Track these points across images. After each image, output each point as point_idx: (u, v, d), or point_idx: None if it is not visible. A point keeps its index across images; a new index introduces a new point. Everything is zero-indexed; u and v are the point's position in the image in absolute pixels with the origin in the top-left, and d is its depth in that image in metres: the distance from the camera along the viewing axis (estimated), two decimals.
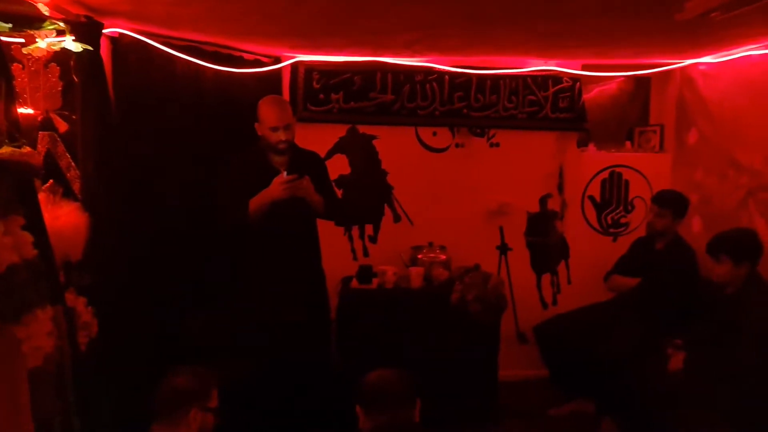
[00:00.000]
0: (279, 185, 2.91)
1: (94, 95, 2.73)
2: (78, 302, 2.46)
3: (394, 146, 4.18)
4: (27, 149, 1.62)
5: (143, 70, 3.14)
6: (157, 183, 3.18)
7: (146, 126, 3.14)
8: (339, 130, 4.14)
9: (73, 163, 2.71)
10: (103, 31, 2.78)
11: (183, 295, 3.17)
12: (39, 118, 2.67)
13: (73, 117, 2.70)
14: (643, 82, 4.54)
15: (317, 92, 4.03)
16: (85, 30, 2.61)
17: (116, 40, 3.03)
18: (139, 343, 2.80)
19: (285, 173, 2.93)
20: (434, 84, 4.09)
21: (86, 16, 2.63)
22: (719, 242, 3.05)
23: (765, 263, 3.09)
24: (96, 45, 2.66)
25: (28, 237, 1.63)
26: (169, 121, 3.27)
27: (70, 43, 2.33)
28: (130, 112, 3.05)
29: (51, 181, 2.60)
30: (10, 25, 1.74)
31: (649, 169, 4.35)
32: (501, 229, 4.08)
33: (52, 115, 2.69)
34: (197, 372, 2.10)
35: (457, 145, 4.21)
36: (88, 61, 2.66)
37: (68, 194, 2.65)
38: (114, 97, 2.96)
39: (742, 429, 2.64)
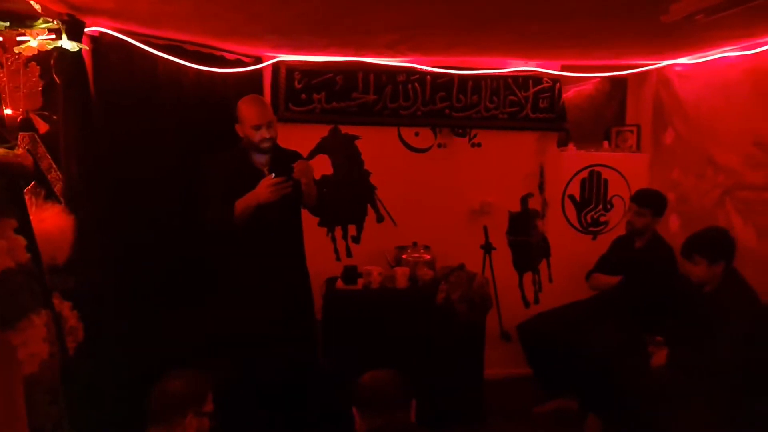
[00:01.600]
0: (267, 188, 2.87)
1: (75, 95, 2.68)
2: (63, 306, 2.41)
3: (377, 146, 4.19)
4: (20, 151, 1.58)
5: (124, 69, 3.08)
6: (139, 184, 3.12)
7: (128, 126, 3.08)
8: (321, 131, 4.13)
9: (54, 165, 2.65)
10: (85, 30, 2.73)
11: (168, 297, 3.12)
12: (19, 119, 2.60)
13: (54, 117, 2.65)
14: (618, 83, 4.62)
15: (299, 92, 4.01)
16: (68, 29, 2.55)
17: (97, 39, 2.97)
18: (126, 346, 2.75)
19: (273, 175, 2.90)
20: (416, 84, 4.10)
21: (68, 15, 2.57)
22: (692, 244, 3.09)
23: (741, 260, 3.17)
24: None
25: (22, 240, 1.59)
26: (150, 121, 3.21)
27: (66, 42, 2.27)
28: (111, 112, 3.00)
29: (33, 183, 2.54)
30: (7, 24, 1.69)
31: (627, 169, 4.42)
32: (485, 229, 4.10)
33: (32, 116, 2.63)
34: (192, 376, 2.06)
35: (439, 146, 4.24)
36: (70, 60, 2.60)
37: (50, 196, 2.59)
38: (95, 97, 2.90)
39: (725, 423, 2.69)
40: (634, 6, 2.48)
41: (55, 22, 2.20)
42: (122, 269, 2.90)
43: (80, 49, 2.62)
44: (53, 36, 2.33)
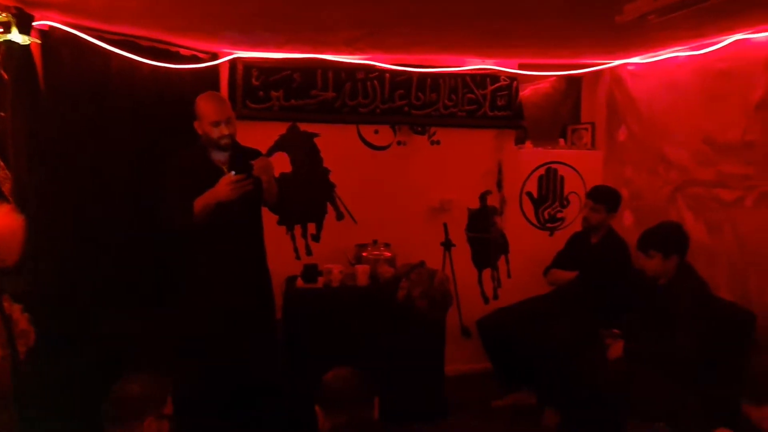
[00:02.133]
0: (227, 185, 2.83)
1: (24, 91, 2.60)
2: (14, 309, 2.33)
3: (336, 144, 4.17)
4: None
5: (76, 65, 3.00)
6: (93, 182, 3.05)
7: (80, 123, 3.01)
8: (280, 128, 4.09)
9: (2, 163, 2.56)
10: (33, 24, 2.64)
11: (125, 298, 3.05)
12: None
13: (2, 114, 2.55)
14: (574, 81, 4.71)
15: (257, 89, 3.96)
16: (16, 22, 2.47)
17: (46, 34, 2.88)
18: (80, 349, 2.68)
19: (233, 173, 2.86)
20: (375, 82, 4.10)
21: (16, 8, 2.49)
22: (647, 238, 3.17)
23: (693, 254, 3.27)
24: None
25: None
26: (103, 118, 3.14)
27: (17, 36, 2.20)
28: (62, 108, 2.92)
29: None
30: None
31: (582, 166, 4.51)
32: (445, 226, 4.13)
33: None
34: (151, 378, 2.02)
35: (398, 143, 4.25)
36: (19, 55, 2.52)
37: None
38: (45, 93, 2.82)
39: (678, 411, 2.77)
40: (589, 6, 2.53)
41: (4, 15, 2.12)
42: (75, 270, 2.82)
43: (29, 43, 2.55)
44: (0, 30, 2.25)
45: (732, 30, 3.08)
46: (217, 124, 2.96)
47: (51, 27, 2.89)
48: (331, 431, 2.02)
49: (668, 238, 3.15)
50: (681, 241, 3.14)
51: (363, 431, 2.05)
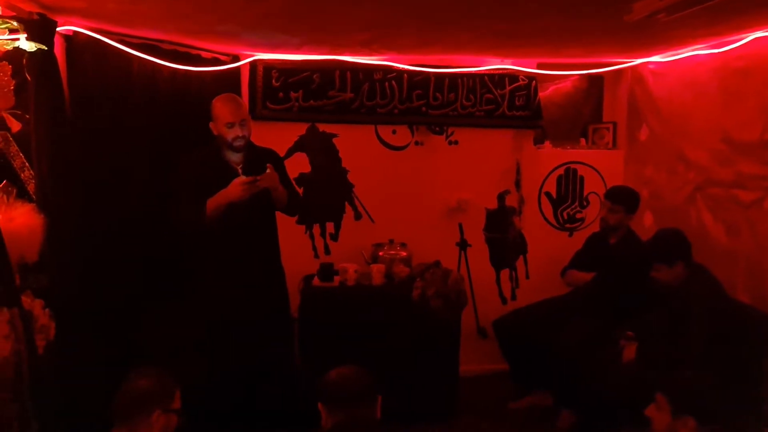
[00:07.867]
0: (238, 186, 2.89)
1: (48, 94, 2.69)
2: (35, 305, 2.43)
3: (354, 144, 4.22)
4: None
5: (98, 68, 3.09)
6: (113, 183, 3.13)
7: (102, 125, 3.10)
8: (299, 129, 4.15)
9: (27, 164, 2.66)
10: (57, 29, 2.74)
11: (142, 295, 3.14)
12: None
13: (27, 116, 2.66)
14: (596, 81, 4.66)
15: (276, 90, 4.03)
16: (38, 28, 2.58)
17: (70, 39, 2.99)
18: (98, 344, 2.77)
19: (242, 174, 2.92)
20: (393, 82, 4.13)
21: (39, 14, 2.59)
22: (649, 255, 3.17)
23: (712, 256, 3.23)
24: (50, 43, 2.63)
25: None
26: (125, 120, 3.23)
27: (24, 42, 2.29)
28: (85, 111, 3.02)
29: (5, 181, 2.56)
30: None
31: (602, 166, 4.47)
32: (460, 226, 4.13)
33: (5, 115, 2.64)
34: (159, 373, 2.08)
35: (416, 143, 4.27)
36: (42, 59, 2.62)
37: (22, 195, 2.61)
38: (68, 96, 2.92)
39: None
40: (598, 5, 2.51)
41: (13, 23, 2.21)
42: (95, 267, 2.91)
43: (51, 48, 2.64)
44: (16, 36, 2.34)
45: (749, 28, 3.02)
46: (231, 125, 3.02)
47: (75, 32, 2.99)
48: (333, 429, 2.06)
49: (665, 246, 3.13)
50: (680, 246, 3.10)
51: (365, 430, 2.08)
